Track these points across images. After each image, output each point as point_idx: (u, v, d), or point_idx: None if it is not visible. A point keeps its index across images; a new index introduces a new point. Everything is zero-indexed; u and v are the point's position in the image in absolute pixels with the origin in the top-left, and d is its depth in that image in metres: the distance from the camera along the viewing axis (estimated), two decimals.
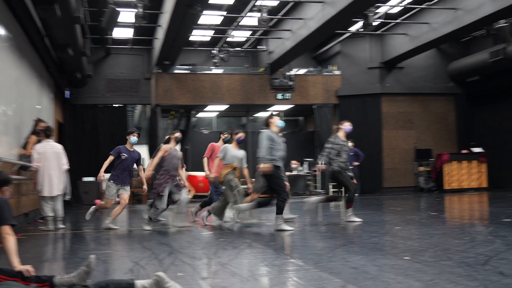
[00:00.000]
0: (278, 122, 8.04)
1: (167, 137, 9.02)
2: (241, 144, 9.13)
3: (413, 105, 18.39)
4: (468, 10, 13.42)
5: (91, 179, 16.24)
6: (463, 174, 17.32)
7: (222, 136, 9.82)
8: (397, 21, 15.90)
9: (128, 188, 8.92)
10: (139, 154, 9.16)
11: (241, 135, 9.20)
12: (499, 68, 16.12)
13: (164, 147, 8.73)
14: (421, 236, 6.68)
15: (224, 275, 4.54)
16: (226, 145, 9.19)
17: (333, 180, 9.26)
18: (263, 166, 7.58)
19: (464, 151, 17.83)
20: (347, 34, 17.07)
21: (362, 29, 14.47)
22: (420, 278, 4.02)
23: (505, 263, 4.48)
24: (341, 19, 12.64)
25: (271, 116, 8.17)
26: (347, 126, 9.16)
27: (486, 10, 12.77)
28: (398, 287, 3.77)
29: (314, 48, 18.65)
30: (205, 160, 9.57)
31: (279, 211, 7.66)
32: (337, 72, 18.35)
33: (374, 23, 14.39)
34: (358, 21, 15.02)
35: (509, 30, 14.59)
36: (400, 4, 14.65)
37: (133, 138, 8.89)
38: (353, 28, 16.64)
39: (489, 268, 4.29)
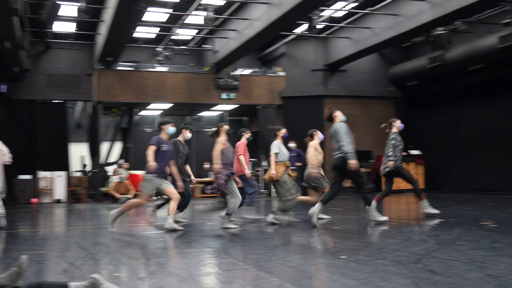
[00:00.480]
0: (342, 116, 8.41)
1: (215, 129, 8.80)
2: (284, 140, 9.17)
3: (355, 107, 18.77)
4: (408, 17, 13.84)
5: (28, 177, 15.73)
6: None
7: (246, 135, 9.65)
8: (341, 25, 16.21)
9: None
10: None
11: (285, 131, 9.38)
12: (437, 74, 16.71)
13: (221, 140, 8.51)
14: (358, 236, 6.83)
15: (161, 275, 4.49)
16: (278, 141, 9.11)
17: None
18: (354, 162, 7.96)
19: (403, 153, 18.32)
20: (292, 36, 17.27)
21: (307, 32, 14.67)
22: (355, 277, 4.11)
23: (436, 262, 4.64)
24: (286, 21, 12.75)
25: (334, 111, 8.44)
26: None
27: (425, 17, 13.21)
28: (333, 285, 3.83)
29: (260, 49, 18.76)
30: (241, 157, 9.30)
31: (369, 202, 8.14)
32: (281, 73, 18.52)
33: (319, 26, 14.62)
34: (303, 23, 15.20)
35: (446, 37, 15.14)
36: (344, 9, 14.94)
37: (172, 128, 8.22)
38: (298, 30, 16.85)
39: (421, 266, 4.43)
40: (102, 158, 16.94)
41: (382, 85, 18.95)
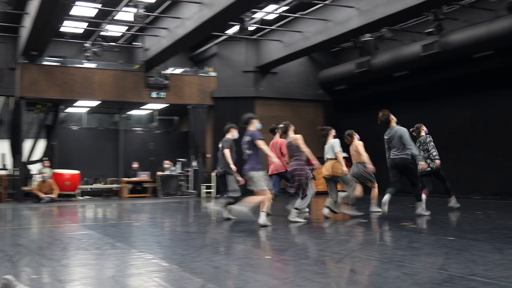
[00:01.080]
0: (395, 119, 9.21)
1: (282, 125, 9.74)
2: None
3: (285, 109, 19.02)
4: (337, 22, 14.18)
5: None
6: None
7: (280, 132, 10.33)
8: (272, 27, 16.40)
9: None
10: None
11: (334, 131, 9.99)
12: (364, 79, 17.22)
13: (300, 136, 9.04)
14: (284, 236, 6.91)
15: (82, 277, 4.36)
16: (337, 140, 9.58)
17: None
18: (423, 164, 9.11)
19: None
20: (224, 37, 17.30)
21: (239, 33, 14.72)
22: (278, 276, 4.16)
23: (356, 261, 4.78)
24: (218, 21, 12.76)
25: (390, 114, 9.33)
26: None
27: (354, 24, 13.59)
28: (256, 285, 3.86)
29: (191, 48, 18.66)
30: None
31: (419, 198, 9.03)
32: (213, 74, 18.49)
33: (250, 28, 14.73)
34: (235, 24, 15.24)
35: (373, 44, 15.66)
36: (275, 12, 15.11)
37: (259, 124, 8.60)
38: (229, 31, 16.89)
39: (342, 266, 4.55)
40: (24, 156, 16.26)
41: (312, 88, 19.31)
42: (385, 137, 9.46)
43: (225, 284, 3.91)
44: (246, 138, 8.44)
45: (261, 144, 8.12)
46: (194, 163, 18.04)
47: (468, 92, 14.89)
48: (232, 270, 4.44)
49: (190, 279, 4.12)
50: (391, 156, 9.17)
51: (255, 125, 8.51)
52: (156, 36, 16.02)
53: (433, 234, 6.68)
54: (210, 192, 17.51)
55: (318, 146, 19.29)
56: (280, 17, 15.95)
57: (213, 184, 17.47)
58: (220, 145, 10.06)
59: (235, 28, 16.05)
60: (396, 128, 9.11)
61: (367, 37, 15.56)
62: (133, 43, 18.21)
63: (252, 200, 7.98)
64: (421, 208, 9.13)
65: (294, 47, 16.24)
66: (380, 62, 16.02)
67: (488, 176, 13.80)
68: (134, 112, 20.22)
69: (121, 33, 17.72)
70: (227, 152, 9.53)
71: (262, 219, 7.76)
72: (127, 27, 16.98)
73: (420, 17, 14.65)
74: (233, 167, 9.48)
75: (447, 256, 4.99)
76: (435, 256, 4.98)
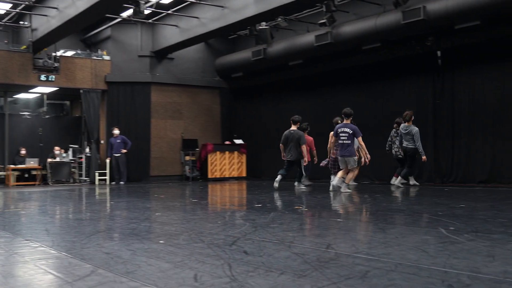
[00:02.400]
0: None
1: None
2: None
3: (182, 96, 18.88)
4: (234, 10, 14.24)
5: None
6: (225, 164, 18.39)
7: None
8: (169, 12, 16.12)
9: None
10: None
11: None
12: (260, 67, 17.49)
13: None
14: (178, 221, 6.89)
15: None
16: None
17: None
18: (425, 158, 11.89)
19: (227, 142, 18.93)
20: (118, 20, 16.76)
21: (134, 16, 14.31)
22: (171, 260, 4.14)
23: (250, 243, 4.86)
24: (111, 3, 12.39)
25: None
26: None
27: (250, 12, 13.72)
28: (148, 269, 3.82)
29: (84, 30, 17.94)
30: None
31: (406, 178, 12.54)
32: (106, 57, 17.91)
33: (146, 11, 14.39)
34: (130, 7, 14.81)
35: (269, 32, 15.91)
36: None
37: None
38: (124, 14, 16.39)
39: (235, 248, 4.61)
40: None
41: (209, 75, 19.30)
42: (403, 130, 12.00)
43: (116, 269, 3.83)
44: (346, 130, 10.87)
45: (361, 140, 10.81)
46: (87, 150, 17.42)
47: (360, 81, 15.60)
48: (124, 256, 4.35)
49: (79, 265, 4.00)
50: (404, 145, 12.06)
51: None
52: (45, 15, 15.17)
53: (323, 216, 6.95)
54: (104, 180, 17.02)
55: (215, 132, 19.47)
56: (177, 2, 15.73)
57: (107, 171, 16.99)
58: (287, 136, 12.36)
59: (130, 11, 15.58)
60: (412, 127, 11.84)
61: (263, 25, 15.78)
62: (20, 22, 17.12)
63: (348, 175, 11.06)
64: (413, 181, 12.70)
65: (191, 33, 16.11)
66: (276, 50, 16.33)
67: (376, 162, 14.57)
68: (21, 95, 19.10)
69: (5, 11, 16.59)
70: (304, 148, 12.15)
71: (344, 187, 10.90)
72: (12, 5, 15.93)
73: (314, 8, 15.10)
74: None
75: (335, 237, 5.22)
76: (323, 236, 5.20)
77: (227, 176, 18.41)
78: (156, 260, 4.13)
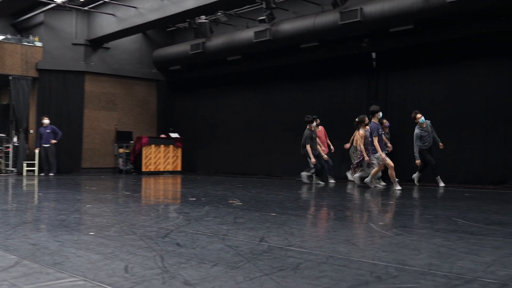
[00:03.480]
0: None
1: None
2: None
3: (117, 86, 18.47)
4: (173, 1, 14.07)
5: None
6: (160, 158, 18.15)
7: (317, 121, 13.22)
8: (106, 0, 15.70)
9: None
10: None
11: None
12: (198, 60, 17.36)
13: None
14: (110, 214, 6.73)
15: None
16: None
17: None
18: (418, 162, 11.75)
19: (162, 136, 18.69)
20: (52, 5, 16.14)
21: (68, 2, 13.84)
22: (101, 251, 4.03)
23: (182, 236, 4.82)
24: None
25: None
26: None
27: (189, 4, 13.60)
28: (77, 260, 3.71)
29: (15, 15, 17.17)
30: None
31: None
32: (38, 44, 17.23)
33: None
34: None
35: (209, 26, 15.81)
36: None
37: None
38: (59, 0, 15.81)
39: (168, 240, 4.56)
40: None
41: (145, 66, 18.98)
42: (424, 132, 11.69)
43: (42, 260, 3.69)
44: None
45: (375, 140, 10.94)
46: (15, 139, 16.71)
47: (298, 79, 15.78)
48: (52, 247, 4.20)
49: (3, 256, 3.82)
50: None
51: (377, 118, 11.20)
52: None
53: (257, 210, 6.98)
54: (32, 171, 16.39)
55: (150, 125, 19.18)
56: None
57: (36, 161, 16.38)
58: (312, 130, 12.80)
59: None
60: (415, 128, 11.73)
61: (202, 19, 15.67)
62: None
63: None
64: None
65: (128, 23, 15.76)
66: (215, 45, 16.25)
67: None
68: None
69: None
70: (308, 148, 12.77)
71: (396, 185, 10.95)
72: None
73: (254, 4, 15.13)
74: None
75: (268, 230, 5.25)
76: (257, 230, 5.22)
77: (161, 170, 18.17)
78: (85, 252, 4.01)
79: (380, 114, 11.32)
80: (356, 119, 12.40)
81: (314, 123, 12.90)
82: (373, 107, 11.34)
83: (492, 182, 11.72)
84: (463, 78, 12.47)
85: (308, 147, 12.55)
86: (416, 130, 11.62)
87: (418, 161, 11.70)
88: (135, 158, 18.08)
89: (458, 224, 5.79)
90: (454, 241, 4.66)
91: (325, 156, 13.04)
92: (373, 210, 7.08)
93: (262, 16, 14.03)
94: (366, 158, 11.79)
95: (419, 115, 11.60)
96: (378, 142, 10.85)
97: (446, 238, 4.83)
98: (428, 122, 11.68)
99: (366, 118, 12.07)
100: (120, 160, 18.05)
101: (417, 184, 12.04)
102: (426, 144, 11.61)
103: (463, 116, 12.36)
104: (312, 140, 12.72)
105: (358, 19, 12.44)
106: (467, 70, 12.44)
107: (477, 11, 11.43)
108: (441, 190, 10.69)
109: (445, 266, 3.59)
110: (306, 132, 12.76)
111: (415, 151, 11.60)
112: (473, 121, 12.14)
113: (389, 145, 12.27)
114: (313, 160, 12.51)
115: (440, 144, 11.57)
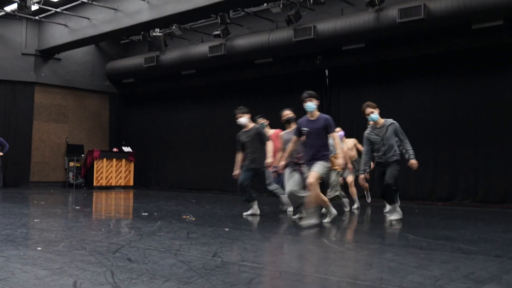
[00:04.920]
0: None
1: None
2: None
3: (68, 98, 18.10)
4: (127, 14, 13.94)
5: None
6: (112, 172, 17.82)
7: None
8: (57, 10, 15.39)
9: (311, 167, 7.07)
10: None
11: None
12: (152, 74, 17.23)
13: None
14: (59, 228, 6.55)
15: None
16: None
17: None
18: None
19: (115, 150, 18.37)
20: (1, 13, 15.70)
21: (18, 11, 13.49)
22: (49, 267, 3.92)
23: (134, 251, 4.73)
24: None
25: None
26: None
27: (144, 17, 13.51)
28: (23, 276, 3.58)
29: None
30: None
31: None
32: None
33: (33, 8, 13.68)
34: (14, 1, 13.95)
35: (163, 40, 15.73)
36: None
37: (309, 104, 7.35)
38: (8, 8, 15.39)
39: (119, 255, 4.46)
40: None
41: (98, 78, 18.68)
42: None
43: None
44: None
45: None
46: None
47: (252, 95, 15.83)
48: None
49: None
50: None
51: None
52: None
53: (211, 226, 6.94)
54: None
55: (102, 139, 18.84)
56: (67, 0, 15.05)
57: None
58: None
59: (15, 6, 14.66)
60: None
61: (157, 32, 15.57)
62: None
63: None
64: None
65: (81, 34, 15.48)
66: (169, 59, 16.17)
67: None
68: None
69: None
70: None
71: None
72: None
73: (209, 19, 15.18)
74: None
75: (221, 245, 5.22)
76: (210, 245, 5.18)
77: (113, 184, 17.83)
78: (32, 267, 3.89)
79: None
80: None
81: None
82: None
83: (441, 199, 12.04)
84: (412, 95, 12.82)
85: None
86: (366, 132, 8.11)
87: (362, 178, 8.06)
88: (86, 172, 17.69)
89: (409, 239, 5.91)
90: (404, 255, 4.75)
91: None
92: (327, 226, 7.15)
93: (217, 31, 14.07)
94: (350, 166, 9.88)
95: (369, 109, 7.99)
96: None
97: (396, 253, 4.92)
98: (389, 122, 7.93)
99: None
100: (71, 174, 17.62)
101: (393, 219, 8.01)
102: (381, 154, 7.81)
103: (412, 133, 12.64)
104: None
105: (312, 37, 12.64)
106: (416, 87, 12.81)
107: (425, 32, 11.82)
108: (386, 208, 8.97)
109: (395, 280, 3.65)
110: None
111: (361, 162, 8.19)
112: (421, 138, 12.47)
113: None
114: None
115: (413, 161, 7.79)
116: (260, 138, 8.61)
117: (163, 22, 13.73)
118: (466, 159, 11.89)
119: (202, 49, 15.24)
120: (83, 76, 18.33)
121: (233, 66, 15.59)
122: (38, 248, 4.80)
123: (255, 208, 8.66)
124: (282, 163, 7.64)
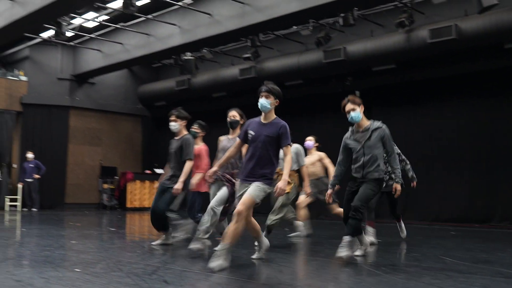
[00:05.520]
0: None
1: None
2: None
3: (102, 122, 18.43)
4: (159, 38, 14.22)
5: None
6: (145, 194, 18.00)
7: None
8: (92, 35, 15.82)
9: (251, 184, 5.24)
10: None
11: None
12: (184, 96, 17.43)
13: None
14: (96, 250, 6.64)
15: None
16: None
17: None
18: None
19: (147, 171, 18.58)
20: (38, 40, 16.20)
21: (55, 37, 13.89)
22: None
23: (169, 273, 4.77)
24: (32, 22, 12.03)
25: None
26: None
27: (175, 41, 13.76)
28: None
29: (0, 48, 17.18)
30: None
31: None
32: (23, 78, 17.20)
33: (68, 34, 14.06)
34: (51, 28, 14.38)
35: (194, 63, 15.96)
36: (95, 20, 14.57)
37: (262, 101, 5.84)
38: (44, 35, 15.88)
39: (155, 277, 4.50)
40: None
41: (131, 102, 19.01)
42: None
43: None
44: None
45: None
46: None
47: (282, 116, 15.81)
48: (37, 283, 4.13)
49: None
50: None
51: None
52: None
53: (245, 248, 6.94)
54: (15, 205, 16.12)
55: (135, 161, 19.09)
56: (101, 26, 15.45)
57: (19, 196, 16.13)
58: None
59: (51, 32, 15.11)
60: None
61: (188, 56, 15.82)
62: None
63: None
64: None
65: (114, 59, 15.85)
66: (200, 81, 16.38)
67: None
68: None
69: None
70: None
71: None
72: None
73: (239, 42, 15.35)
74: None
75: (256, 267, 5.20)
76: (245, 267, 5.17)
77: (146, 206, 17.97)
78: None
79: None
80: None
81: None
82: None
83: (478, 221, 11.79)
84: (445, 115, 12.67)
85: None
86: (344, 136, 6.45)
87: (328, 194, 6.29)
88: (120, 194, 17.92)
89: (446, 262, 5.81)
90: (443, 279, 4.68)
91: None
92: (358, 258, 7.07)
93: (247, 53, 14.21)
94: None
95: (350, 105, 6.18)
96: None
97: (434, 276, 4.85)
98: (375, 126, 6.10)
99: None
100: (105, 196, 17.86)
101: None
102: (357, 166, 5.94)
103: (448, 154, 12.50)
104: None
105: (342, 58, 12.67)
106: (449, 107, 12.66)
107: (457, 51, 11.73)
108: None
109: None
110: None
111: (333, 174, 6.63)
112: (456, 159, 12.29)
113: None
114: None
115: (397, 186, 5.98)
116: (181, 153, 7.41)
117: (194, 46, 13.96)
118: (503, 180, 11.65)
119: (232, 71, 15.40)
120: (116, 99, 18.69)
121: None
122: (77, 270, 4.88)
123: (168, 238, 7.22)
124: (214, 169, 5.98)
